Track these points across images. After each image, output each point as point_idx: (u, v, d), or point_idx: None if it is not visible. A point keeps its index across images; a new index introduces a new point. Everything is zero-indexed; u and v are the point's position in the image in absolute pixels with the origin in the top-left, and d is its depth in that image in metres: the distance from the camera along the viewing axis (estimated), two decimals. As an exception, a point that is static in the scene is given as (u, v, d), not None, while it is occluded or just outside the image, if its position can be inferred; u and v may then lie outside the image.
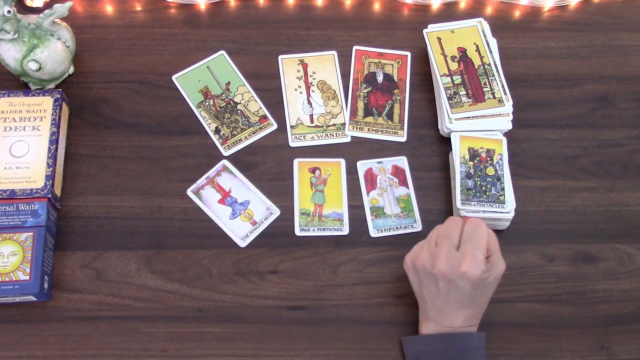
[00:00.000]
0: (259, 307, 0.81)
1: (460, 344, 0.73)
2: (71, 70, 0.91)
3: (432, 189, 0.88)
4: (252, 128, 0.90)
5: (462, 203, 0.82)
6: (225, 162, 0.88)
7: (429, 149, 0.90)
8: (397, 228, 0.85)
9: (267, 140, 0.90)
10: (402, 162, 0.89)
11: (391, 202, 0.87)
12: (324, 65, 0.95)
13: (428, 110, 0.92)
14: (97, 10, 0.97)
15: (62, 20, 0.88)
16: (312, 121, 0.91)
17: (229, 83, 0.93)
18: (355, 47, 0.96)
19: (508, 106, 0.87)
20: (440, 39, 0.92)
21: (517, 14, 1.00)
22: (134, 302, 0.80)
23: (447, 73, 0.90)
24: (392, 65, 0.95)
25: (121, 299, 0.81)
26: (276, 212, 0.86)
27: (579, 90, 0.94)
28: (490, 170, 0.84)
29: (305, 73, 0.94)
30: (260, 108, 0.92)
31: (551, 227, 0.86)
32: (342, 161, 0.89)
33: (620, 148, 0.91)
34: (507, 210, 0.82)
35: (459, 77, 0.89)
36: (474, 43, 0.91)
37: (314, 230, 0.85)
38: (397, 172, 0.89)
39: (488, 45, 0.91)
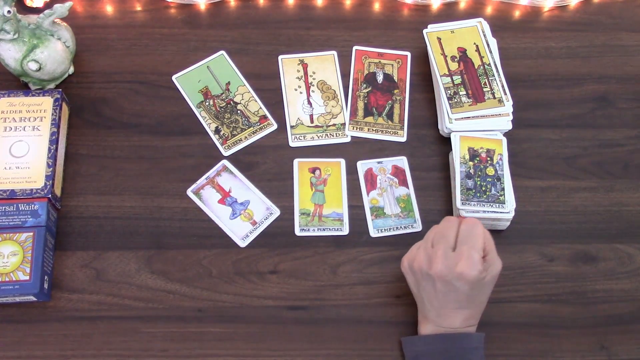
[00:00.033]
0: (259, 307, 0.81)
1: (460, 344, 0.73)
2: (71, 70, 0.91)
3: (432, 189, 0.88)
4: (252, 128, 0.90)
5: (462, 203, 0.82)
6: (225, 162, 0.88)
7: (429, 149, 0.90)
8: (397, 228, 0.85)
9: (267, 140, 0.90)
10: (402, 162, 0.89)
11: (391, 202, 0.87)
12: (324, 65, 0.95)
13: (428, 110, 0.92)
14: (97, 10, 0.97)
15: (62, 20, 0.88)
16: (312, 121, 0.91)
17: (229, 83, 0.93)
18: (355, 47, 0.96)
19: (508, 106, 0.87)
20: (440, 39, 0.92)
21: (517, 14, 1.00)
22: (134, 302, 0.80)
23: (447, 73, 0.90)
24: (392, 65, 0.95)
25: (121, 299, 0.81)
26: (276, 212, 0.86)
27: (579, 90, 0.94)
28: (490, 170, 0.84)
29: (305, 73, 0.94)
30: (260, 108, 0.92)
31: (551, 227, 0.86)
32: (342, 161, 0.89)
33: (620, 148, 0.91)
34: (507, 210, 0.82)
35: (459, 77, 0.89)
36: (474, 43, 0.91)
37: (314, 230, 0.85)
38: (397, 172, 0.89)
39: (488, 45, 0.91)
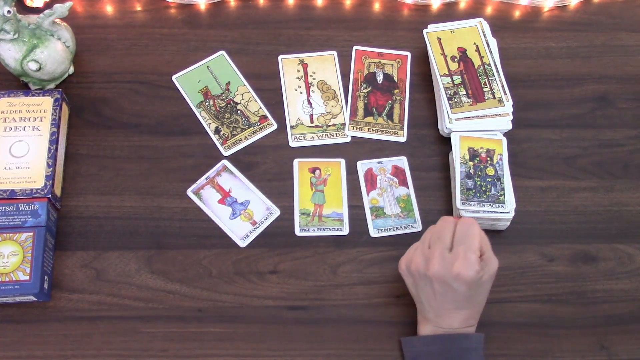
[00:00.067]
0: (259, 307, 0.81)
1: (459, 345, 0.73)
2: (71, 70, 0.91)
3: (432, 189, 0.88)
4: (252, 128, 0.90)
5: (462, 203, 0.82)
6: (225, 162, 0.88)
7: (429, 149, 0.90)
8: (397, 228, 0.85)
9: (267, 140, 0.90)
10: (402, 162, 0.89)
11: (391, 202, 0.87)
12: (324, 65, 0.95)
13: (428, 110, 0.92)
14: (97, 10, 0.97)
15: (62, 20, 0.88)
16: (312, 121, 0.91)
17: (229, 83, 0.93)
18: (355, 47, 0.96)
19: (508, 106, 0.87)
20: (440, 39, 0.92)
21: (517, 14, 1.00)
22: (134, 302, 0.80)
23: (447, 73, 0.90)
24: (392, 65, 0.95)
25: (121, 299, 0.81)
26: (276, 212, 0.86)
27: (579, 90, 0.94)
28: (490, 170, 0.84)
29: (305, 73, 0.94)
30: (260, 108, 0.92)
31: (551, 227, 0.86)
32: (342, 161, 0.89)
33: (620, 148, 0.91)
34: (507, 210, 0.82)
35: (459, 77, 0.89)
36: (474, 43, 0.91)
37: (314, 230, 0.85)
38: (397, 172, 0.89)
39: (488, 45, 0.91)
